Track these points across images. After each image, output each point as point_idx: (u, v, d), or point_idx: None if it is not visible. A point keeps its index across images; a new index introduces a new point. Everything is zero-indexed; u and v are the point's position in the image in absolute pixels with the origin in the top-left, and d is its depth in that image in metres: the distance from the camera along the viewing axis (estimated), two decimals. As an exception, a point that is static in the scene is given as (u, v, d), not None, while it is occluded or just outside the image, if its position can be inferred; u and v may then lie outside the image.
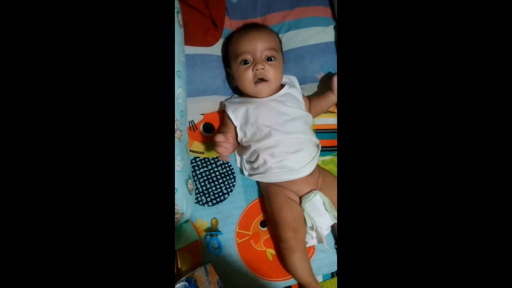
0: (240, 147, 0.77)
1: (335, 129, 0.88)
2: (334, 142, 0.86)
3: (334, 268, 0.75)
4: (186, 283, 0.62)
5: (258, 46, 0.73)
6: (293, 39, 0.83)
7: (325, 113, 0.89)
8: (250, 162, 0.75)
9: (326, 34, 0.85)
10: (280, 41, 0.81)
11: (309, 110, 0.81)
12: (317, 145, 0.77)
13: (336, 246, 0.77)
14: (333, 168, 0.83)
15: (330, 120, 0.89)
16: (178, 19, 0.68)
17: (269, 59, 0.74)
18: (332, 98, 0.80)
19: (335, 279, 0.75)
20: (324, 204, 0.70)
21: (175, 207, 0.63)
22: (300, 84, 0.83)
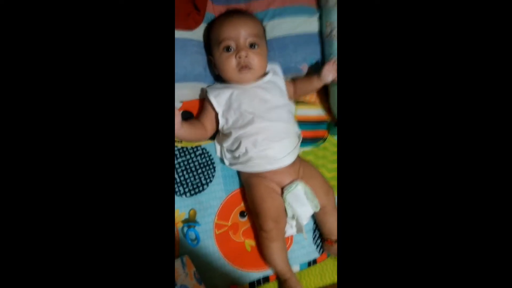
0: (221, 135, 0.75)
1: (317, 120, 0.88)
2: (315, 133, 0.86)
3: (310, 257, 0.76)
4: (161, 275, 0.60)
5: (241, 32, 0.70)
6: (277, 28, 0.82)
7: (306, 104, 0.89)
8: (231, 151, 0.73)
9: (310, 24, 0.84)
10: (264, 28, 0.79)
11: (294, 92, 0.80)
12: (298, 135, 0.77)
13: (314, 236, 0.78)
14: (313, 159, 0.83)
15: (312, 112, 0.89)
16: None
17: (252, 46, 0.72)
18: (317, 82, 0.78)
19: (312, 268, 0.76)
20: (305, 193, 0.70)
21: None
22: (284, 73, 0.82)
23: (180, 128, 0.65)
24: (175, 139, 0.76)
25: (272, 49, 0.81)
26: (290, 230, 0.73)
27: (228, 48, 0.71)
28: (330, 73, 0.75)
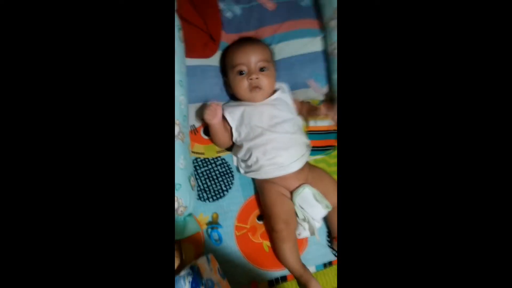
0: (236, 147, 0.84)
1: (327, 131, 0.95)
2: (325, 142, 0.92)
3: (326, 259, 0.80)
4: (190, 270, 0.68)
5: (252, 58, 0.81)
6: (284, 50, 0.92)
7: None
8: (244, 161, 0.82)
9: (314, 44, 0.93)
10: (272, 52, 0.89)
11: (300, 111, 0.88)
12: (307, 145, 0.84)
13: (328, 238, 0.83)
14: (325, 167, 0.89)
15: (321, 122, 0.95)
16: (179, 35, 0.76)
17: (262, 69, 0.82)
18: (317, 113, 0.87)
19: (328, 269, 0.80)
20: (314, 196, 0.76)
21: (180, 200, 0.70)
22: (292, 89, 0.90)
23: (220, 120, 0.78)
24: (203, 152, 0.86)
25: (280, 69, 0.90)
26: (304, 232, 0.77)
27: (241, 72, 0.82)
28: (330, 113, 0.86)
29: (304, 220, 0.76)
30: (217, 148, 0.87)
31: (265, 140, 0.77)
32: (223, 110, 0.85)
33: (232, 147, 0.87)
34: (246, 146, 0.79)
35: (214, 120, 0.78)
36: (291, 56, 0.92)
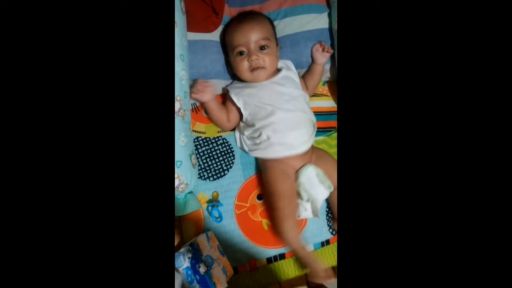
0: (243, 126, 0.83)
1: (329, 111, 0.94)
2: (327, 123, 0.92)
3: (323, 238, 0.83)
4: (190, 247, 0.69)
5: (250, 37, 0.79)
6: (289, 26, 0.88)
7: (319, 96, 0.95)
8: (252, 138, 0.81)
9: (320, 20, 0.90)
10: (273, 27, 0.86)
11: (306, 88, 0.88)
12: (314, 124, 0.84)
13: (327, 217, 0.84)
14: (326, 148, 0.89)
15: (324, 103, 0.95)
16: (181, 6, 0.73)
17: (262, 48, 0.79)
18: (317, 68, 0.86)
19: (325, 248, 0.82)
20: (317, 175, 0.76)
21: (181, 177, 0.69)
22: (296, 68, 0.89)
23: (213, 99, 0.75)
24: (204, 131, 0.84)
25: (285, 45, 0.88)
26: (304, 213, 0.78)
27: (241, 53, 0.79)
28: (320, 54, 0.85)
29: (307, 201, 0.76)
30: (218, 128, 0.86)
31: (277, 119, 0.77)
32: (228, 91, 0.83)
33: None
34: (257, 125, 0.78)
35: (204, 97, 0.77)
36: (296, 32, 0.88)
